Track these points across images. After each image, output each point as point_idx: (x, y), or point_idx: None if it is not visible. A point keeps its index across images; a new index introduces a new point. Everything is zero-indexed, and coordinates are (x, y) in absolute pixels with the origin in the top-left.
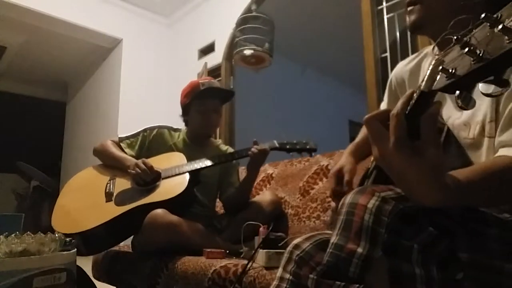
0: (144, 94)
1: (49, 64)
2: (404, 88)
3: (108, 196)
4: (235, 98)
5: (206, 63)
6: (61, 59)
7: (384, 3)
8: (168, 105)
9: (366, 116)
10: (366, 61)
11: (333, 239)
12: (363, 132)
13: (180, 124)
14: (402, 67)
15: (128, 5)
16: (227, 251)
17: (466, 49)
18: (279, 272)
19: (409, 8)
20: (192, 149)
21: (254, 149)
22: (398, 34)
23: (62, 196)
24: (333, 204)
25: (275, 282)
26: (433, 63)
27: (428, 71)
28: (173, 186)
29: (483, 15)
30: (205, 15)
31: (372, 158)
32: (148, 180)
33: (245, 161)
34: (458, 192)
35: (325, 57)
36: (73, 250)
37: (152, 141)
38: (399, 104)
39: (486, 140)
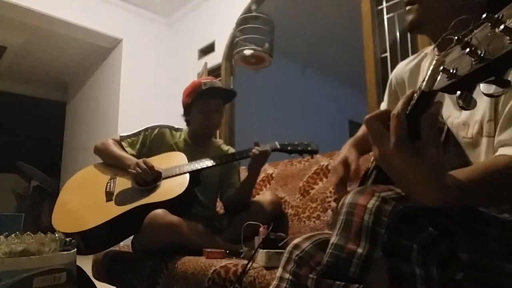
0: (144, 94)
1: (49, 64)
2: (404, 88)
3: (109, 195)
4: (235, 98)
5: (206, 63)
6: (61, 59)
7: (384, 3)
8: (168, 105)
9: (367, 116)
10: (366, 61)
11: (333, 239)
12: (362, 128)
13: (180, 124)
14: (402, 67)
15: (128, 5)
16: (227, 251)
17: (467, 49)
18: (278, 272)
19: (407, 8)
20: (193, 149)
21: (255, 150)
22: (398, 34)
23: (63, 194)
24: (333, 204)
25: (274, 282)
26: (433, 63)
27: (429, 71)
28: (173, 187)
29: (484, 15)
30: (205, 15)
31: (372, 158)
32: (149, 180)
33: (246, 161)
34: (459, 192)
35: (325, 57)
36: (73, 250)
37: (153, 141)
38: (400, 104)
39: (484, 139)
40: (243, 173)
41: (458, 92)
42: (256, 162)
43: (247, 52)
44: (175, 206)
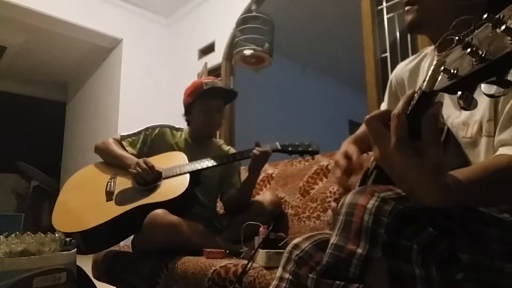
0: (144, 94)
1: (49, 64)
2: (404, 88)
3: (109, 195)
4: (236, 98)
5: (206, 63)
6: (61, 59)
7: (384, 3)
8: (168, 105)
9: (367, 117)
10: (366, 61)
11: (333, 239)
12: (362, 127)
13: (180, 124)
14: (402, 68)
15: (128, 5)
16: (227, 251)
17: (468, 50)
18: (278, 272)
19: (406, 8)
20: (193, 149)
21: (256, 151)
22: (398, 34)
23: (63, 194)
24: (333, 204)
25: (274, 282)
26: (434, 63)
27: (430, 72)
28: (174, 187)
29: (485, 16)
30: (205, 15)
31: (372, 158)
32: (149, 179)
33: (246, 161)
34: (459, 192)
35: (325, 57)
36: (73, 250)
37: (153, 140)
38: (400, 104)
39: (483, 139)
40: (243, 173)
41: (459, 93)
42: (257, 162)
43: (247, 52)
44: (175, 206)
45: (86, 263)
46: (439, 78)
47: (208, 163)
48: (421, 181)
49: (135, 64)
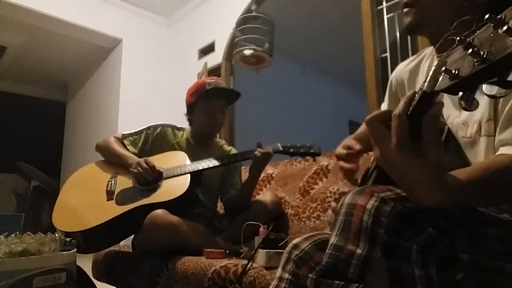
0: (144, 94)
1: (49, 64)
2: (404, 89)
3: (109, 194)
4: None
5: (206, 63)
6: (61, 59)
7: (384, 3)
8: (168, 105)
9: (368, 117)
10: (366, 61)
11: (332, 239)
12: (362, 127)
13: (180, 124)
14: (402, 68)
15: (128, 5)
16: (227, 251)
17: (470, 50)
18: (278, 272)
19: (405, 10)
20: (195, 149)
21: (257, 152)
22: (398, 34)
23: (64, 192)
24: (333, 204)
25: (274, 282)
26: (435, 63)
27: (431, 72)
28: (174, 187)
29: (487, 16)
30: (205, 15)
31: (372, 158)
32: (150, 179)
33: (247, 161)
34: (460, 192)
35: (325, 57)
36: (73, 250)
37: (155, 139)
38: (401, 104)
39: (483, 139)
40: (244, 173)
41: (460, 93)
42: (258, 163)
43: (247, 52)
44: (175, 206)
45: (86, 263)
46: (440, 79)
47: (209, 163)
48: (422, 181)
49: (135, 64)
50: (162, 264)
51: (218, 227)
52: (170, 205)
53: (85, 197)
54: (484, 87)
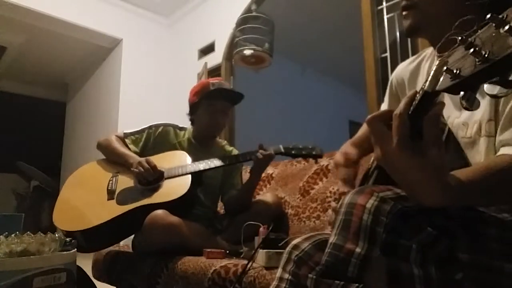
0: (144, 94)
1: (49, 64)
2: (404, 89)
3: (110, 193)
4: None
5: (206, 63)
6: (61, 59)
7: (384, 3)
8: (168, 105)
9: (369, 117)
10: (366, 61)
11: (332, 239)
12: (362, 129)
13: (180, 124)
14: (403, 68)
15: (128, 5)
16: (227, 251)
17: (471, 50)
18: (278, 272)
19: (404, 13)
20: (197, 148)
21: (259, 154)
22: (398, 34)
23: (65, 191)
24: (333, 204)
25: (274, 283)
26: (436, 63)
27: (432, 72)
28: (175, 188)
29: (488, 16)
30: (205, 15)
31: (372, 158)
32: (151, 179)
33: (248, 162)
34: (460, 192)
35: (325, 57)
36: (73, 250)
37: (157, 139)
38: (402, 104)
39: (482, 139)
40: (245, 173)
41: (462, 93)
42: (259, 165)
43: (247, 52)
44: (176, 207)
45: (86, 263)
46: (442, 78)
47: (210, 164)
48: (423, 181)
49: (135, 64)
50: (162, 264)
51: (218, 227)
52: (170, 206)
53: (86, 196)
54: (486, 86)
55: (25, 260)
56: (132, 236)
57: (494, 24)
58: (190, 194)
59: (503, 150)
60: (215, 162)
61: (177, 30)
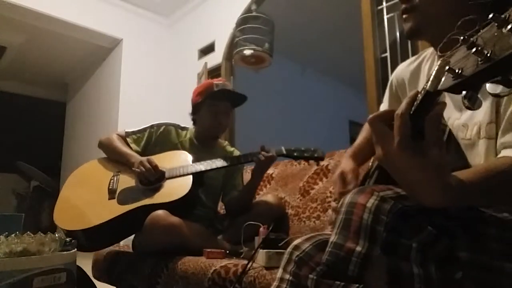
0: (144, 94)
1: (49, 64)
2: (405, 89)
3: (111, 193)
4: None
5: (206, 63)
6: (61, 59)
7: (384, 3)
8: (168, 105)
9: (370, 116)
10: (366, 61)
11: (332, 238)
12: (362, 135)
13: (180, 123)
14: (403, 69)
15: (128, 5)
16: (227, 251)
17: (473, 50)
18: (279, 273)
19: (404, 16)
20: (198, 149)
21: (261, 155)
22: (398, 34)
23: (65, 189)
24: (333, 204)
25: (275, 283)
26: (438, 63)
27: (434, 71)
28: (176, 188)
29: (491, 15)
30: (205, 15)
31: (372, 158)
32: (152, 179)
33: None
34: (461, 193)
35: (325, 57)
36: (73, 250)
37: (158, 138)
38: (404, 104)
39: (482, 141)
40: (245, 173)
41: (463, 92)
42: (261, 166)
43: (247, 52)
44: (177, 207)
45: (86, 263)
46: (444, 78)
47: (212, 164)
48: (423, 181)
49: (135, 64)
50: (162, 264)
51: (219, 227)
52: (171, 206)
53: (87, 195)
54: (488, 86)
55: (25, 260)
56: (132, 236)
57: (496, 24)
58: (191, 194)
59: (504, 152)
60: (217, 163)
61: (177, 30)
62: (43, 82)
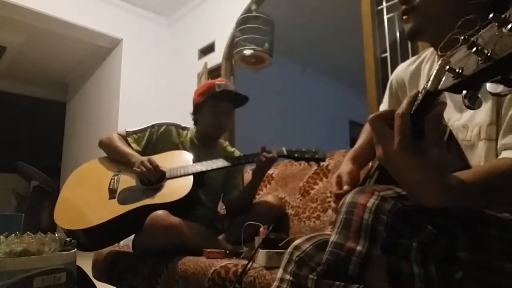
0: (144, 94)
1: (49, 64)
2: (405, 90)
3: (112, 192)
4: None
5: (206, 63)
6: (61, 59)
7: (384, 3)
8: (168, 105)
9: (371, 116)
10: (366, 61)
11: (333, 237)
12: (362, 137)
13: (180, 123)
14: (403, 69)
15: (128, 5)
16: (227, 251)
17: (474, 49)
18: (279, 273)
19: (404, 17)
20: (199, 149)
21: (262, 156)
22: (398, 34)
23: (66, 189)
24: (333, 204)
25: (275, 283)
26: (439, 63)
27: (434, 71)
28: (177, 188)
29: (491, 15)
30: (205, 15)
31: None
32: (153, 179)
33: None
34: (461, 193)
35: (325, 57)
36: (73, 250)
37: (159, 138)
38: (404, 104)
39: (482, 142)
40: (246, 174)
41: (464, 92)
42: (262, 167)
43: (247, 52)
44: (177, 207)
45: (86, 263)
46: (444, 78)
47: (213, 165)
48: (423, 181)
49: (135, 64)
50: (162, 264)
51: (219, 227)
52: (172, 206)
53: (88, 195)
54: (488, 85)
55: (25, 260)
56: (132, 236)
57: (496, 24)
58: (192, 195)
59: (505, 154)
60: (218, 163)
61: (177, 30)
62: (43, 82)
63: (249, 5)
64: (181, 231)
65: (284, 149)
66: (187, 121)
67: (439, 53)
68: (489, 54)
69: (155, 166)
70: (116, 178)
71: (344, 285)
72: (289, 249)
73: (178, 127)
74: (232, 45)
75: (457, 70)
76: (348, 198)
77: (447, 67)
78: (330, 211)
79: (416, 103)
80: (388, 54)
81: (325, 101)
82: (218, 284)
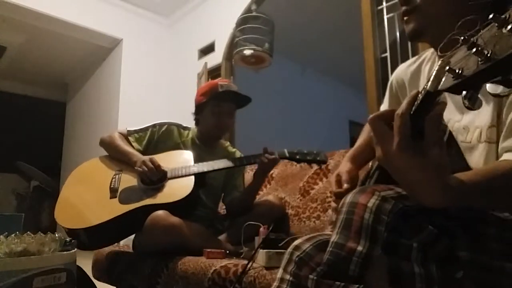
0: (144, 94)
1: (49, 64)
2: (405, 90)
3: (113, 192)
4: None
5: (206, 63)
6: (61, 59)
7: (384, 3)
8: (168, 105)
9: (371, 116)
10: (366, 61)
11: (333, 238)
12: (362, 137)
13: (181, 123)
14: (403, 70)
15: (128, 5)
16: (227, 251)
17: (474, 50)
18: (279, 273)
19: (405, 18)
20: (200, 148)
21: (264, 158)
22: (398, 34)
23: (67, 188)
24: (333, 204)
25: (275, 283)
26: (438, 63)
27: (434, 72)
28: (178, 188)
29: (491, 16)
30: (205, 15)
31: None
32: (154, 179)
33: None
34: (461, 194)
35: (325, 57)
36: (73, 250)
37: (160, 137)
38: (404, 104)
39: (482, 145)
40: (247, 174)
41: (464, 92)
42: (264, 169)
43: (247, 52)
44: (178, 207)
45: (86, 263)
46: (444, 78)
47: (214, 165)
48: (423, 181)
49: (135, 64)
50: (162, 264)
51: (219, 228)
52: (173, 206)
53: (88, 194)
54: (488, 86)
55: (25, 260)
56: (133, 236)
57: (496, 24)
58: (192, 195)
59: (506, 156)
60: (220, 164)
61: (177, 30)
62: (43, 82)
63: (249, 5)
64: (181, 231)
65: (286, 150)
66: (187, 121)
67: (439, 53)
68: (489, 55)
69: (156, 165)
70: (117, 177)
71: (345, 285)
72: (289, 249)
73: (179, 126)
74: (232, 45)
75: (457, 71)
76: (348, 198)
77: (447, 67)
78: (330, 211)
79: (416, 103)
80: (388, 54)
81: (325, 101)
82: (218, 284)
